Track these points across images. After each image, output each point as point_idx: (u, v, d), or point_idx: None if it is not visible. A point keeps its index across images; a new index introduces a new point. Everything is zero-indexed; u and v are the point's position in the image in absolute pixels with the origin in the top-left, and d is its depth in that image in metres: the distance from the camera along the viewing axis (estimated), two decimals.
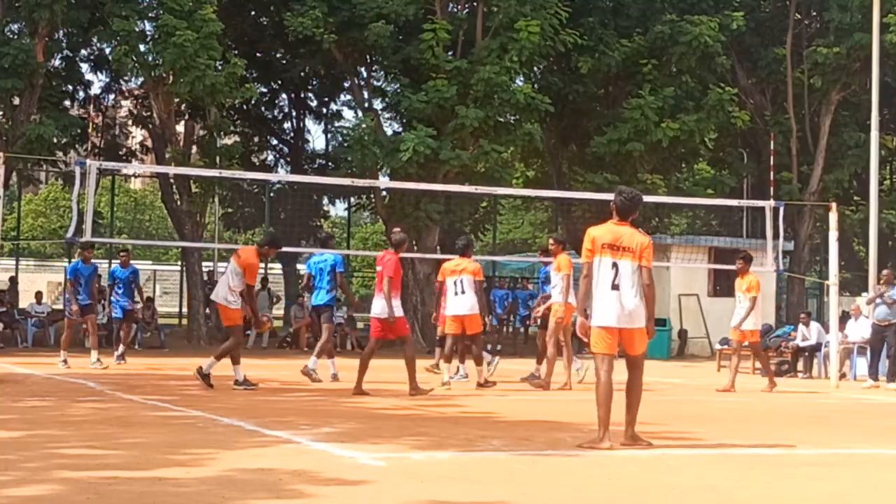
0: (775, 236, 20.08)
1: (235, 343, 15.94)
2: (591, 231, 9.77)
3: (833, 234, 20.03)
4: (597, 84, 33.99)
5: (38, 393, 14.34)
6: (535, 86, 31.82)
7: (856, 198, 38.52)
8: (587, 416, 12.32)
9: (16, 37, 29.32)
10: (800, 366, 23.70)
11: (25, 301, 31.56)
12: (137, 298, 22.97)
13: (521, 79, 32.04)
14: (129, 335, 22.58)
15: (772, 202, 21.19)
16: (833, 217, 20.21)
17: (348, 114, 41.85)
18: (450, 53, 30.98)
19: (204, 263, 34.44)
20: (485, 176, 30.44)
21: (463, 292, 16.45)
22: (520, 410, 13.11)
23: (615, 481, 8.02)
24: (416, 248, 32.29)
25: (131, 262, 22.22)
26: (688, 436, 10.76)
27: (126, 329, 21.54)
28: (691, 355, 30.33)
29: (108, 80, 35.99)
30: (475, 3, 32.09)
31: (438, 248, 34.64)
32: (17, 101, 29.24)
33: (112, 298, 21.56)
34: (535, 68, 32.98)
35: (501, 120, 31.29)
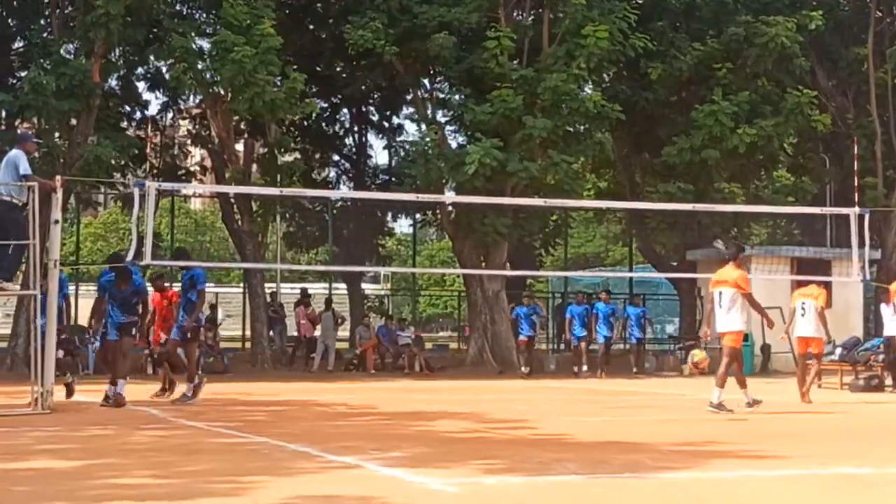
0: (861, 245, 19.82)
1: (739, 366, 16.37)
2: None
3: None
4: (668, 90, 33.80)
5: (99, 421, 14.46)
6: (604, 93, 31.67)
7: None
8: (665, 436, 12.24)
9: (72, 57, 29.70)
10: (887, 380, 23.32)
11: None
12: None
13: (590, 86, 31.93)
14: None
15: (856, 209, 20.93)
16: None
17: (411, 127, 42.08)
18: (515, 62, 30.95)
19: (266, 285, 34.61)
20: (554, 188, 30.32)
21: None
22: (594, 432, 13.02)
23: None
24: (483, 264, 32.28)
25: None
26: (772, 454, 10.62)
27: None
28: (775, 371, 29.99)
29: (165, 99, 36.33)
30: (540, 10, 32.07)
31: (508, 264, 34.60)
32: (74, 122, 29.62)
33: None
34: (605, 75, 32.85)
35: (570, 129, 31.19)
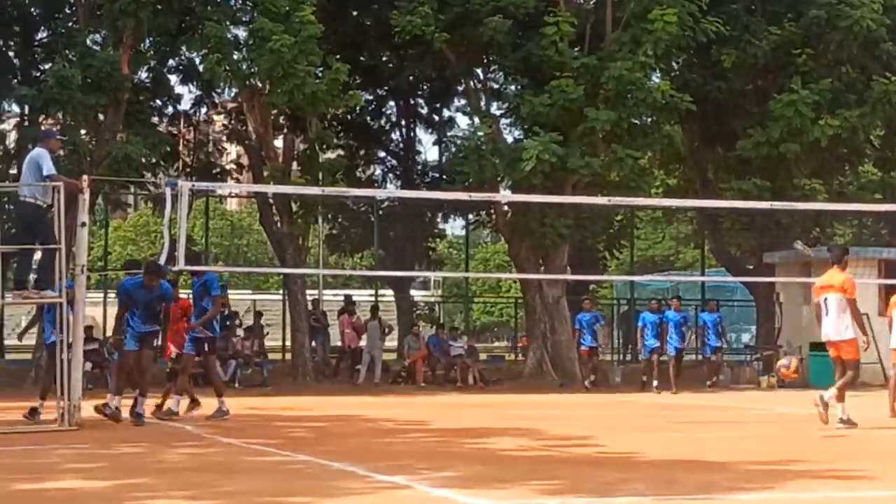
0: None
1: (854, 377, 16.46)
2: None
3: None
4: (743, 78, 33.61)
5: (129, 438, 14.58)
6: (673, 83, 31.50)
7: None
8: (741, 455, 12.17)
9: (99, 48, 29.95)
10: None
11: None
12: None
13: (658, 75, 31.81)
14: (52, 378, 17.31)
15: None
16: None
17: (463, 121, 42.03)
18: (575, 49, 30.88)
19: (308, 291, 34.76)
20: (619, 185, 30.26)
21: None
22: (664, 449, 12.97)
23: None
24: (542, 268, 32.23)
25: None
26: (858, 474, 10.54)
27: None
28: (861, 383, 29.69)
29: (198, 92, 36.57)
30: None
31: (568, 268, 34.53)
32: (101, 118, 29.87)
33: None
34: (673, 63, 32.69)
35: (636, 122, 31.07)
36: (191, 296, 18.52)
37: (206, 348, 18.09)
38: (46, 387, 17.65)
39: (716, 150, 36.15)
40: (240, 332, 32.20)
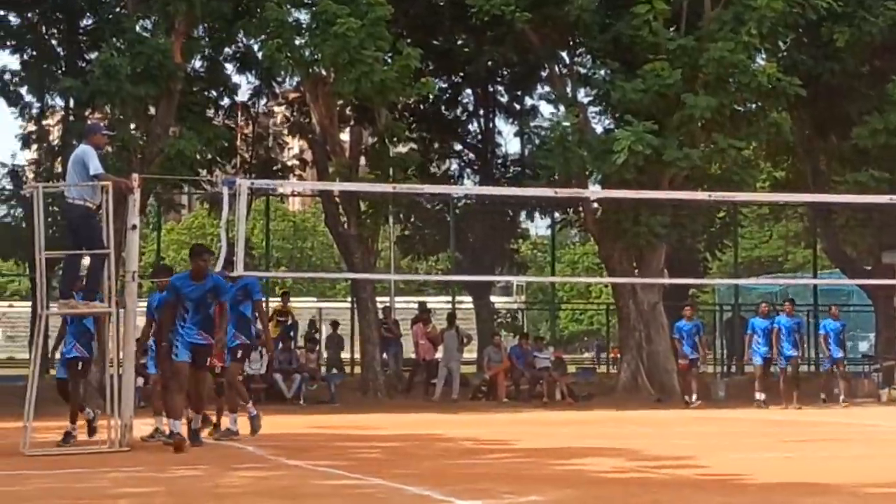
0: None
1: None
2: None
3: None
4: (858, 59, 33.29)
5: (186, 461, 14.69)
6: (780, 65, 31.29)
7: None
8: (860, 476, 12.06)
9: (149, 35, 30.20)
10: None
11: None
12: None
13: (763, 56, 31.63)
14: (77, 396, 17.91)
15: None
16: None
17: (547, 109, 42.04)
18: (671, 29, 30.77)
19: (378, 298, 34.85)
20: (721, 179, 30.10)
21: None
22: (773, 470, 12.90)
23: None
24: (636, 271, 32.12)
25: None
26: None
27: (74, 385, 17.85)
28: None
29: (257, 82, 36.79)
30: None
31: (665, 271, 34.40)
32: (152, 111, 30.13)
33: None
34: (780, 43, 32.49)
35: (739, 109, 30.93)
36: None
37: (239, 355, 18.02)
38: (74, 408, 17.62)
39: (828, 138, 35.88)
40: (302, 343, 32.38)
